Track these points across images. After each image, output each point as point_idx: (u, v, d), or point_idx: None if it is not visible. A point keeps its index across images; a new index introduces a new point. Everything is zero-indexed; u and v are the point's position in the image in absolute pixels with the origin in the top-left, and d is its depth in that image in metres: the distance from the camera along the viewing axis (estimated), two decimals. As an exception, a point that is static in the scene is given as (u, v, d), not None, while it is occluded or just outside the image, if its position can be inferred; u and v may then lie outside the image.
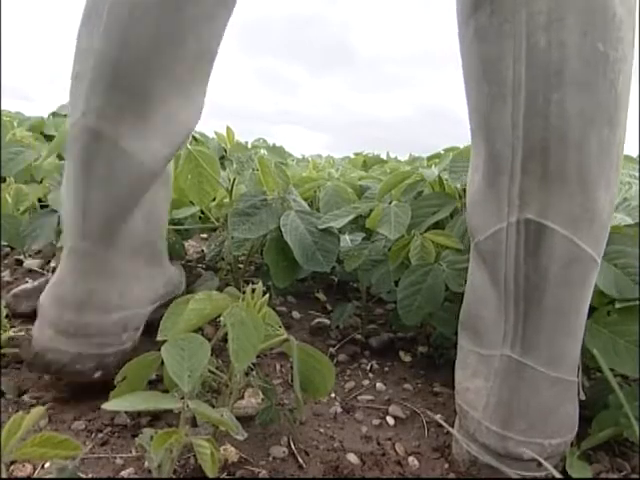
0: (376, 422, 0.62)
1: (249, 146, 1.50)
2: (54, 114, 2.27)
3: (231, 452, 0.50)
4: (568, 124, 0.44)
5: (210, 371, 0.50)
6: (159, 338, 0.49)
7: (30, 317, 0.74)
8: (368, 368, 0.76)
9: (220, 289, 0.54)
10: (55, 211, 0.93)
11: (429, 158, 1.17)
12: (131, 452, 0.50)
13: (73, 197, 0.56)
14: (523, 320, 0.48)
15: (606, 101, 0.44)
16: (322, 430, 0.58)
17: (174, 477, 0.46)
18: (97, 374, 0.58)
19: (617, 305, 0.54)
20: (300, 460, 0.52)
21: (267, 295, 0.51)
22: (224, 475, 0.48)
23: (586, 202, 0.45)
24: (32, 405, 0.56)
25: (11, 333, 0.67)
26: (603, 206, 0.46)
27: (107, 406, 0.39)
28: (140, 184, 0.59)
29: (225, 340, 0.46)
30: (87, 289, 0.57)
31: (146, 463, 0.47)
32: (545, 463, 0.46)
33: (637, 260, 0.55)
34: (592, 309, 0.54)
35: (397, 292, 0.72)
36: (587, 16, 0.43)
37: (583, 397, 0.51)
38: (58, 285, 0.57)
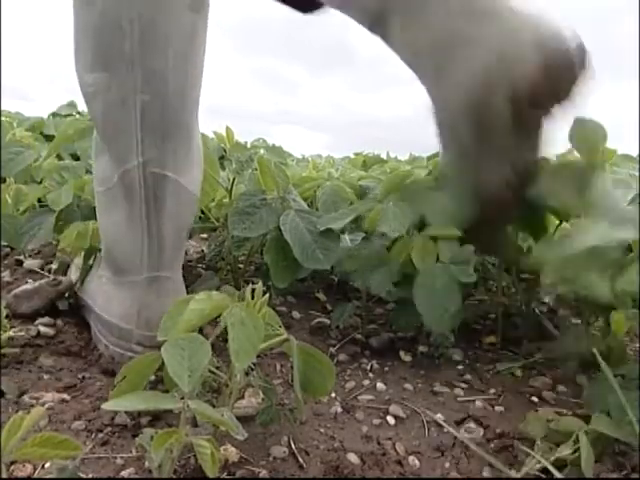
0: (376, 422, 0.62)
1: (249, 146, 1.49)
2: (54, 114, 2.27)
3: (231, 452, 0.50)
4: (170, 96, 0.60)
5: (210, 371, 0.49)
6: (159, 338, 0.49)
7: (30, 318, 0.75)
8: (368, 368, 0.76)
9: (220, 289, 0.54)
10: (53, 211, 0.93)
11: (429, 158, 1.17)
12: (131, 452, 0.50)
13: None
14: (157, 245, 0.64)
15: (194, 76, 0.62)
16: (322, 430, 0.58)
17: (174, 477, 0.46)
18: None
19: None
20: (300, 460, 0.52)
21: (267, 295, 0.51)
22: (224, 475, 0.48)
23: (188, 152, 0.64)
24: (32, 405, 0.56)
25: (11, 333, 0.67)
26: (200, 152, 0.67)
27: (107, 406, 0.39)
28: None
29: (225, 340, 0.46)
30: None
31: (146, 463, 0.47)
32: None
33: None
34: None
35: (415, 302, 0.71)
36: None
37: None
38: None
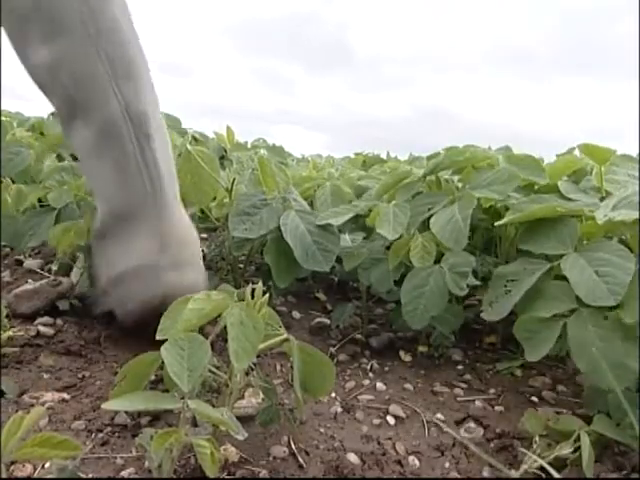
0: (376, 422, 0.62)
1: (249, 146, 1.49)
2: (54, 114, 2.26)
3: (231, 452, 0.50)
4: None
5: (210, 371, 0.49)
6: (159, 338, 0.49)
7: (30, 318, 0.75)
8: (368, 368, 0.76)
9: (218, 288, 0.54)
10: (53, 210, 0.93)
11: (429, 158, 1.17)
12: (131, 452, 0.50)
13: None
14: (158, 177, 0.68)
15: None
16: (322, 430, 0.58)
17: (174, 477, 0.46)
18: None
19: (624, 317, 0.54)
20: (300, 460, 0.52)
21: (267, 295, 0.51)
22: (224, 475, 0.48)
23: (152, 89, 0.71)
24: (32, 405, 0.56)
25: (11, 333, 0.67)
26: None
27: (107, 406, 0.39)
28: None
29: (225, 340, 0.46)
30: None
31: (146, 463, 0.47)
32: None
33: (620, 271, 0.56)
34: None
35: (401, 296, 0.71)
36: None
37: None
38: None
